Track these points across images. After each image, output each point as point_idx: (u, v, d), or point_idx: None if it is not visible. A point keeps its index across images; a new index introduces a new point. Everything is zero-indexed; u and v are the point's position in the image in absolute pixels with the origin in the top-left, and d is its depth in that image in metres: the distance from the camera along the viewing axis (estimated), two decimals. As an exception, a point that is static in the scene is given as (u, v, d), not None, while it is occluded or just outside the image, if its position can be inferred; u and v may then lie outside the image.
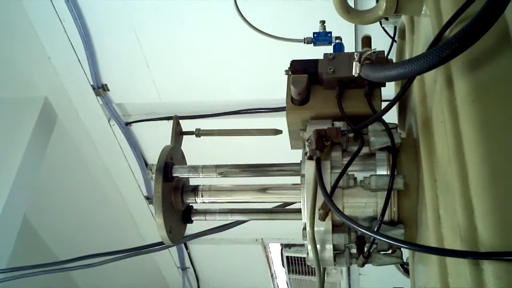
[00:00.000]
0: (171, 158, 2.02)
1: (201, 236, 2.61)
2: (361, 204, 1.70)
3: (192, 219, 2.09)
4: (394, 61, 2.02)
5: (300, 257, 7.14)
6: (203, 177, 2.03)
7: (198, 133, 2.29)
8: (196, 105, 5.42)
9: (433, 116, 1.50)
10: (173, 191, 1.99)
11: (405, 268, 2.16)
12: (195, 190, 2.03)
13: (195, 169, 2.03)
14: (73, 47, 4.91)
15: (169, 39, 4.87)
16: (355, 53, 1.74)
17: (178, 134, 2.23)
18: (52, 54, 5.00)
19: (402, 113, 2.15)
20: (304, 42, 3.48)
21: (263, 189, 2.00)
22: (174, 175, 1.99)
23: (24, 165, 5.01)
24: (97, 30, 4.84)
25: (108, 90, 5.34)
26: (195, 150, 5.80)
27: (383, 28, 3.72)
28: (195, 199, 2.03)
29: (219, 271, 8.09)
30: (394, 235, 1.62)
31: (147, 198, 6.66)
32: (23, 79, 5.23)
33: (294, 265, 7.33)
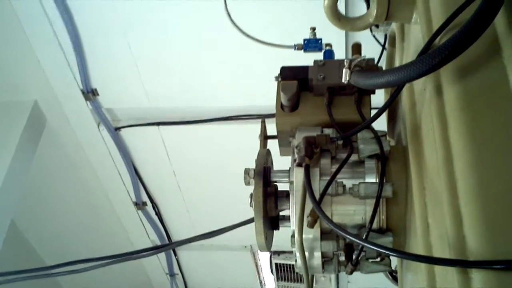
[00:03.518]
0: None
1: (190, 242, 2.60)
2: (349, 212, 1.69)
3: (280, 226, 1.99)
4: (384, 69, 2.02)
5: (289, 264, 7.12)
6: None
7: None
8: (186, 110, 5.42)
9: (422, 124, 1.50)
10: (268, 197, 1.89)
11: (393, 276, 2.15)
12: (289, 196, 1.89)
13: None
14: (63, 50, 4.90)
15: (159, 45, 4.87)
16: (345, 60, 1.74)
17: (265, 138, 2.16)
18: (41, 58, 4.99)
19: (391, 121, 2.15)
20: (295, 49, 3.48)
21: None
22: (273, 179, 1.91)
23: (12, 169, 4.98)
24: (87, 34, 4.83)
25: (98, 94, 5.32)
26: (185, 156, 5.81)
27: (373, 35, 3.73)
28: (289, 205, 1.88)
29: (208, 278, 8.06)
30: (382, 243, 1.62)
31: (136, 203, 6.64)
32: (12, 83, 5.21)
33: (283, 272, 7.32)
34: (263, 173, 1.85)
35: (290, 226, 1.83)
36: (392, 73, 1.28)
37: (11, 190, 5.06)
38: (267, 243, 1.90)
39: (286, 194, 1.90)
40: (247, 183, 1.88)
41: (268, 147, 2.11)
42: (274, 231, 2.01)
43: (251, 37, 3.61)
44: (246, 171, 1.87)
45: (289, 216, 1.92)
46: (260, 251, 1.94)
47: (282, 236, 2.06)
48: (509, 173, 1.08)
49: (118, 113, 5.68)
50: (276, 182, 1.93)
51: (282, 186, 1.94)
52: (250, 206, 1.83)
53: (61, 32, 4.74)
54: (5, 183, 4.88)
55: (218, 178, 5.99)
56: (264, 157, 1.93)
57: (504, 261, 0.96)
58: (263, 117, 2.52)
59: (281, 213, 1.98)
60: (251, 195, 1.84)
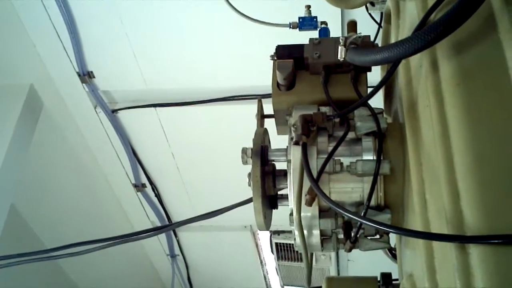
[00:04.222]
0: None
1: (190, 222, 2.60)
2: (347, 189, 1.70)
3: (279, 205, 1.98)
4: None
5: (289, 244, 7.14)
6: None
7: None
8: (183, 92, 5.40)
9: (418, 100, 1.50)
10: (266, 176, 1.88)
11: (393, 254, 2.16)
12: (287, 174, 1.88)
13: None
14: (58, 34, 4.87)
15: (155, 26, 4.85)
16: (341, 38, 1.73)
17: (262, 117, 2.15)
18: (37, 42, 4.97)
19: (388, 98, 2.15)
20: (290, 27, 3.46)
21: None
22: (270, 158, 1.91)
23: (10, 154, 4.98)
24: (82, 17, 4.80)
25: (94, 77, 5.30)
26: (183, 137, 5.81)
27: (369, 14, 3.72)
28: (287, 184, 1.88)
29: (209, 258, 8.10)
30: (380, 220, 1.62)
31: (135, 185, 6.65)
32: (8, 67, 5.19)
33: (283, 251, 7.35)
34: (261, 152, 1.85)
35: (288, 205, 1.84)
36: (388, 49, 1.28)
37: (10, 174, 5.07)
38: (266, 222, 1.91)
39: (284, 173, 1.90)
40: (245, 163, 1.88)
41: (265, 127, 2.11)
42: (274, 210, 2.02)
43: (246, 16, 3.59)
44: (244, 151, 1.88)
45: (288, 195, 1.93)
46: (260, 230, 1.94)
47: (281, 215, 2.06)
48: (505, 148, 1.08)
49: (115, 95, 5.66)
50: (274, 161, 1.93)
51: (280, 165, 1.94)
52: (248, 185, 1.84)
53: (56, 16, 4.71)
54: (3, 168, 4.88)
55: (216, 159, 6.00)
56: (261, 136, 1.93)
57: (501, 236, 0.97)
58: (259, 97, 2.52)
59: (279, 192, 1.99)
60: (249, 175, 1.84)
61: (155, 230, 3.42)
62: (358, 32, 2.04)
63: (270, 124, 2.11)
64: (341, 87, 1.91)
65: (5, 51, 5.08)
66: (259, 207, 1.82)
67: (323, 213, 1.70)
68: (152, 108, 5.57)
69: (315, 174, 1.62)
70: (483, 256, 0.98)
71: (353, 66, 1.88)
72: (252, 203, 1.91)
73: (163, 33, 4.90)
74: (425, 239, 1.26)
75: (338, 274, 7.57)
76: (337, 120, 1.74)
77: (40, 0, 4.60)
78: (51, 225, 7.24)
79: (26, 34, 4.86)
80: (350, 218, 1.64)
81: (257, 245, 7.67)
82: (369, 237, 1.79)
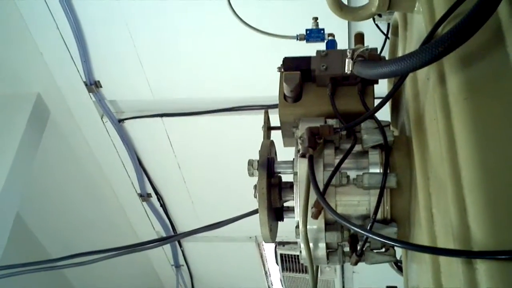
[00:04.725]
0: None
1: (195, 233, 2.60)
2: (354, 202, 1.69)
3: (285, 217, 1.99)
4: (387, 58, 2.01)
5: (294, 255, 7.12)
6: None
7: None
8: (189, 102, 5.41)
9: (425, 113, 1.49)
10: (272, 188, 1.89)
11: (398, 266, 2.15)
12: (293, 187, 1.88)
13: None
14: (65, 43, 4.88)
15: (162, 36, 4.86)
16: (348, 50, 1.73)
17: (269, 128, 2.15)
18: (44, 50, 4.98)
19: (394, 111, 2.14)
20: (297, 39, 3.46)
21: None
22: (277, 171, 1.92)
23: (17, 162, 4.99)
24: (90, 27, 4.82)
25: (101, 86, 5.31)
26: (189, 147, 5.81)
27: (376, 24, 3.72)
28: (293, 197, 1.87)
29: (213, 269, 8.08)
30: (387, 234, 1.62)
31: (140, 195, 6.64)
32: (15, 76, 5.21)
33: (288, 262, 7.32)
34: (267, 164, 1.86)
35: (294, 218, 1.84)
36: (395, 62, 1.28)
37: (16, 183, 5.07)
38: (272, 235, 1.90)
39: (290, 185, 1.90)
40: (251, 175, 1.88)
41: (272, 138, 2.11)
42: (279, 222, 2.01)
43: (254, 28, 3.59)
44: (250, 163, 1.88)
45: (294, 207, 1.93)
46: (265, 242, 1.93)
47: (286, 227, 2.06)
48: (512, 162, 1.08)
49: (122, 105, 5.67)
50: (280, 173, 1.93)
51: (286, 177, 1.94)
52: (254, 197, 1.83)
53: (63, 25, 4.73)
54: (9, 176, 4.89)
55: (221, 169, 5.99)
56: (268, 148, 1.93)
57: (509, 251, 0.96)
58: (266, 108, 2.52)
59: (285, 204, 1.99)
60: (255, 186, 1.84)
61: (160, 241, 3.42)
62: (365, 44, 2.05)
63: (277, 136, 2.11)
64: (348, 100, 1.91)
65: (13, 60, 5.10)
66: (265, 220, 1.81)
67: (329, 226, 1.70)
68: (158, 118, 5.58)
69: (321, 186, 1.62)
70: (491, 272, 0.97)
71: (360, 79, 1.88)
72: (257, 214, 1.91)
73: (170, 43, 4.91)
74: (431, 253, 1.26)
75: (343, 286, 7.54)
76: (344, 132, 1.74)
77: (48, 9, 4.62)
78: (56, 235, 7.25)
79: (33, 43, 4.88)
80: (357, 232, 1.63)
81: (261, 256, 7.66)
82: (375, 250, 1.78)
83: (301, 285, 7.63)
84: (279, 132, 2.09)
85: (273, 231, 1.93)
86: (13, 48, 5.00)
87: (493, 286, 0.96)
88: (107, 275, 7.52)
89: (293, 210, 1.92)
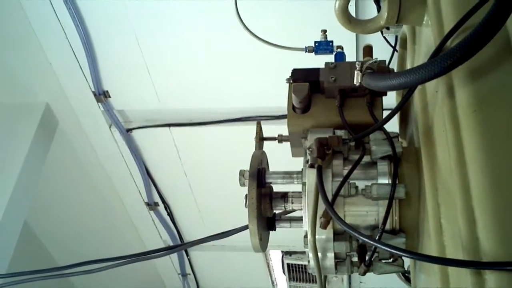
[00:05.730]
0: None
1: (202, 242, 2.61)
2: (362, 213, 1.70)
3: (277, 226, 2.01)
4: (395, 71, 2.03)
5: (301, 265, 7.12)
6: (297, 183, 1.91)
7: (281, 139, 2.13)
8: (197, 112, 5.43)
9: (434, 125, 1.50)
10: (263, 198, 1.91)
11: (406, 277, 2.16)
12: (284, 197, 1.94)
13: (289, 175, 1.93)
14: (74, 53, 4.91)
15: (170, 46, 4.88)
16: (357, 63, 1.75)
17: (261, 139, 2.18)
18: (53, 60, 5.01)
19: (403, 122, 2.15)
20: (306, 51, 3.47)
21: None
22: (268, 181, 1.94)
23: (25, 171, 5.01)
24: (99, 36, 4.85)
25: (109, 96, 5.34)
26: (196, 157, 5.82)
27: (384, 37, 3.73)
28: (284, 206, 1.94)
29: (220, 278, 8.07)
30: (395, 244, 1.63)
31: (148, 204, 6.66)
32: (24, 85, 5.24)
33: (295, 272, 7.32)
34: (257, 175, 1.88)
35: (286, 227, 1.92)
36: (404, 75, 1.29)
37: (24, 191, 5.09)
38: (262, 244, 1.92)
39: (282, 195, 1.94)
40: (242, 184, 1.90)
41: (274, 148, 2.13)
42: (286, 230, 2.02)
43: (262, 40, 3.61)
44: (241, 173, 1.90)
45: (286, 217, 2.00)
46: (255, 251, 1.95)
47: (293, 236, 2.07)
48: (521, 174, 1.08)
49: (130, 114, 5.70)
50: (271, 183, 1.96)
51: (277, 187, 1.97)
52: (245, 207, 1.85)
53: (72, 35, 4.76)
54: (17, 185, 4.91)
55: (228, 179, 5.97)
56: (258, 158, 1.96)
57: (518, 262, 0.97)
58: (259, 119, 2.53)
59: (290, 213, 2.03)
60: (246, 196, 1.85)
61: (167, 250, 3.43)
62: (373, 56, 2.06)
63: (277, 147, 2.12)
64: (357, 111, 1.92)
65: (22, 69, 5.13)
66: (254, 229, 1.84)
67: (337, 236, 1.71)
68: (166, 128, 5.60)
69: (330, 197, 1.63)
70: (500, 283, 0.98)
71: (368, 90, 1.89)
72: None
73: (178, 54, 4.93)
74: (440, 264, 1.26)
75: (350, 296, 7.52)
76: (352, 143, 1.75)
77: (57, 19, 4.65)
78: (64, 242, 7.26)
79: (42, 53, 4.91)
80: (365, 242, 1.64)
81: (268, 266, 7.65)
82: (383, 261, 1.79)
83: (308, 295, 7.62)
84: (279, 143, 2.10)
85: (263, 240, 1.94)
86: (22, 58, 5.03)
87: (502, 296, 0.97)
88: (113, 284, 7.50)
89: (285, 219, 2.00)
